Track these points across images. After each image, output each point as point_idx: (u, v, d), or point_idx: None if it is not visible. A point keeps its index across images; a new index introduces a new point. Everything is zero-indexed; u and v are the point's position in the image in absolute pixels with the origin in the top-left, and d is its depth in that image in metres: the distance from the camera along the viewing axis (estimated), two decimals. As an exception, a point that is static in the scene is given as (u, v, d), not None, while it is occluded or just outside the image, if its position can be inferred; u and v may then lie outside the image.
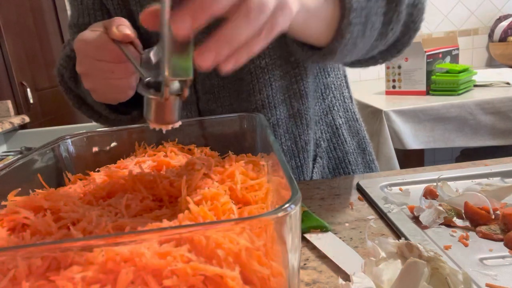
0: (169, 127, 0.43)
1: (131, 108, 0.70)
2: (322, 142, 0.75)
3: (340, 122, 0.77)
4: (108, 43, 0.47)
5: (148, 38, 0.60)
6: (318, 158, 0.75)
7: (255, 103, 0.68)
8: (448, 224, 0.50)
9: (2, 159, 1.84)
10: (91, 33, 0.49)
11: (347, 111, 0.79)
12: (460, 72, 1.68)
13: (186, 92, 0.41)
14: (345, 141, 0.77)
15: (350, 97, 0.81)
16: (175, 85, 0.40)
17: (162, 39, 0.36)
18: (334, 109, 0.76)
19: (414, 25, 0.60)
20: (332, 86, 0.76)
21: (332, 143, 0.76)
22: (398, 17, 0.55)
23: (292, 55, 0.68)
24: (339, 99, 0.77)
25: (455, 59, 1.90)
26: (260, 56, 0.67)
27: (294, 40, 0.56)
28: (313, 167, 0.74)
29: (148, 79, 0.41)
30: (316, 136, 0.75)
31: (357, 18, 0.50)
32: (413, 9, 0.58)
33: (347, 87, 0.80)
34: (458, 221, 0.50)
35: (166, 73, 0.37)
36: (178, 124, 0.43)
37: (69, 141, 0.53)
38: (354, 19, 0.50)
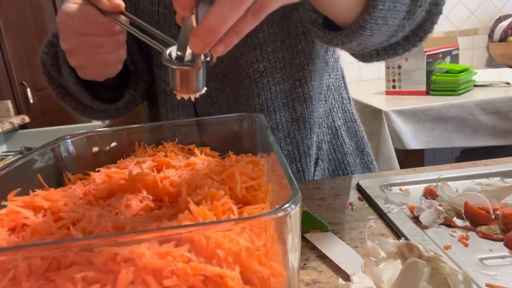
0: (197, 94, 0.44)
1: (115, 93, 0.68)
2: (323, 145, 0.75)
3: (339, 124, 0.77)
4: (97, 16, 0.45)
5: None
6: (319, 161, 0.75)
7: (254, 107, 0.67)
8: (448, 224, 0.50)
9: (2, 159, 1.84)
10: (75, 6, 0.46)
11: (346, 112, 0.79)
12: (460, 72, 1.68)
13: (214, 59, 0.41)
14: (344, 142, 0.76)
15: (348, 97, 0.81)
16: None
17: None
18: (334, 110, 0.76)
19: (436, 8, 0.57)
20: (332, 87, 0.76)
21: (332, 145, 0.76)
22: None
23: (297, 57, 0.68)
24: (338, 100, 0.77)
25: (455, 59, 1.90)
26: (259, 60, 0.66)
27: (315, 23, 0.54)
28: (315, 170, 0.74)
29: (169, 51, 0.42)
30: (318, 139, 0.74)
31: None
32: None
33: (345, 87, 0.80)
34: (458, 221, 0.50)
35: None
36: (204, 90, 0.45)
37: (69, 141, 0.52)
38: None
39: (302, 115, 0.69)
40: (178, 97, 0.44)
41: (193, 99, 0.45)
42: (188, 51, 0.42)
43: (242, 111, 0.68)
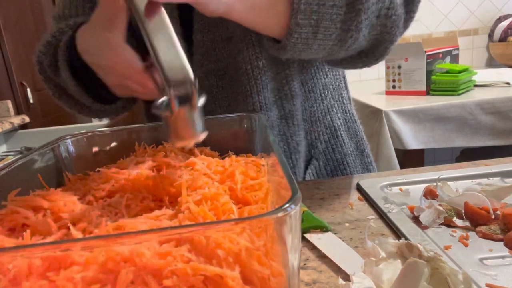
0: (192, 142, 0.42)
1: (115, 97, 0.69)
2: (319, 144, 0.74)
3: (339, 124, 0.76)
4: (141, 74, 0.48)
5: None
6: (313, 160, 0.74)
7: (252, 105, 0.68)
8: (448, 224, 0.50)
9: (2, 159, 1.84)
10: (122, 54, 0.49)
11: (346, 112, 0.78)
12: (460, 72, 1.68)
13: (195, 101, 0.40)
14: (344, 142, 0.76)
15: (349, 98, 0.80)
16: (183, 96, 0.40)
17: (146, 37, 0.37)
18: (332, 110, 0.76)
19: (388, 36, 0.60)
20: (331, 87, 0.76)
21: (331, 145, 0.75)
22: (358, 26, 0.56)
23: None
24: (337, 100, 0.77)
25: (455, 59, 1.90)
26: (258, 57, 0.66)
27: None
28: (306, 169, 0.74)
29: (161, 100, 0.42)
30: (312, 138, 0.74)
31: (305, 20, 0.53)
32: (386, 20, 0.58)
33: (346, 88, 0.80)
34: (458, 221, 0.50)
35: (165, 73, 0.37)
36: (202, 136, 0.43)
37: (69, 141, 0.52)
38: (302, 20, 0.53)
39: (290, 112, 0.70)
40: (176, 146, 0.43)
41: (192, 144, 0.43)
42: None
43: (241, 109, 0.68)
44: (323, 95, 0.75)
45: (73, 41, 0.56)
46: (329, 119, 0.75)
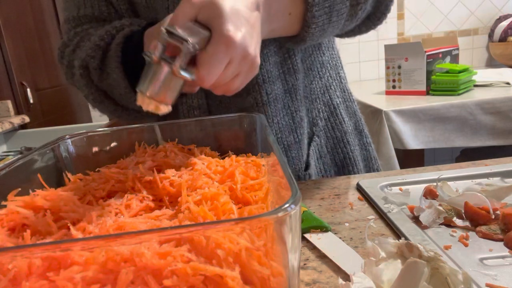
0: (154, 105, 0.42)
1: None
2: (319, 121, 0.75)
3: (338, 102, 0.77)
4: None
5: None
6: (315, 137, 0.75)
7: (257, 78, 0.68)
8: (448, 224, 0.50)
9: (2, 159, 1.84)
10: None
11: (344, 92, 0.80)
12: (460, 72, 1.68)
13: (178, 65, 0.41)
14: (343, 120, 0.77)
15: (345, 77, 0.82)
16: (173, 57, 0.40)
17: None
18: (331, 88, 0.77)
19: None
20: (328, 65, 0.77)
21: (330, 123, 0.76)
22: None
23: None
24: (335, 78, 0.78)
25: (455, 59, 1.90)
26: (277, 39, 0.67)
27: None
28: (310, 145, 0.75)
29: (155, 47, 0.41)
30: (313, 115, 0.75)
31: (320, 10, 0.55)
32: None
33: (342, 68, 0.82)
34: (458, 221, 0.50)
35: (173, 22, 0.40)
36: (165, 108, 0.43)
37: (69, 141, 0.52)
38: (317, 11, 0.55)
39: (293, 86, 0.71)
40: (140, 101, 0.42)
41: (158, 112, 0.43)
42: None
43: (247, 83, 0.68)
44: (321, 73, 0.76)
45: (130, 43, 0.58)
46: (328, 97, 0.76)
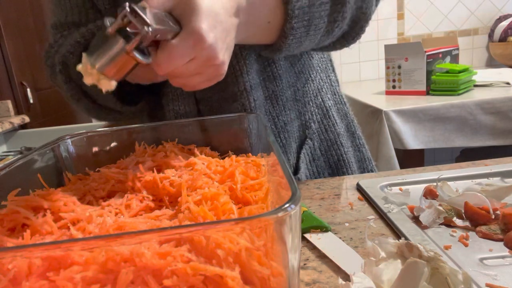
0: (95, 78, 0.40)
1: (137, 95, 0.68)
2: (312, 124, 0.76)
3: (330, 104, 0.78)
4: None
5: None
6: (307, 140, 0.75)
7: (243, 85, 0.68)
8: (448, 224, 0.50)
9: (2, 159, 1.84)
10: None
11: (335, 94, 0.80)
12: (460, 72, 1.68)
13: (132, 44, 0.39)
14: (336, 123, 0.78)
15: (337, 80, 0.83)
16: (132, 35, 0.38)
17: None
18: (322, 91, 0.78)
19: (364, 16, 0.64)
20: (318, 68, 0.78)
21: (323, 125, 0.77)
22: (343, 16, 0.59)
23: None
24: (326, 81, 0.79)
25: (455, 59, 1.90)
26: (252, 46, 0.67)
27: None
28: (301, 148, 0.75)
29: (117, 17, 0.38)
30: (306, 118, 0.75)
31: (299, 23, 0.55)
32: (362, 2, 0.62)
33: (333, 70, 0.82)
34: (458, 221, 0.50)
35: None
36: (108, 83, 0.40)
37: (69, 141, 0.52)
38: (296, 23, 0.55)
39: (274, 92, 0.71)
40: (82, 70, 0.39)
41: (99, 87, 0.41)
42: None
43: (231, 91, 0.68)
44: (312, 76, 0.76)
45: None
46: (320, 99, 0.77)
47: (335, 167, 0.77)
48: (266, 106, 0.71)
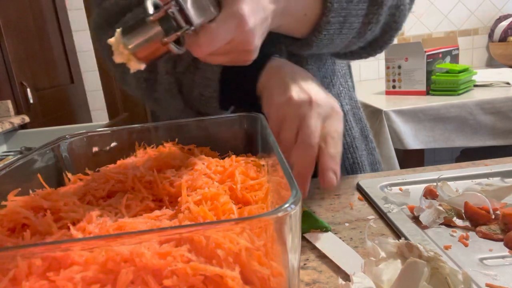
0: (125, 57, 0.39)
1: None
2: None
3: (347, 109, 0.79)
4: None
5: None
6: None
7: None
8: (448, 224, 0.50)
9: (2, 159, 1.84)
10: None
11: (351, 99, 0.81)
12: (460, 72, 1.68)
13: (172, 34, 0.38)
14: (352, 126, 0.78)
15: (353, 86, 0.83)
16: (173, 24, 0.38)
17: None
18: (341, 96, 0.78)
19: (395, 25, 0.63)
20: (338, 73, 0.78)
21: None
22: (378, 18, 0.58)
23: None
24: (345, 86, 0.79)
25: (455, 59, 1.90)
26: (280, 40, 0.66)
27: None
28: None
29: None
30: None
31: (335, 18, 0.54)
32: (395, 10, 0.61)
33: (351, 76, 0.83)
34: (458, 221, 0.50)
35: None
36: (137, 64, 0.40)
37: (69, 141, 0.52)
38: (333, 18, 0.54)
39: None
40: (114, 45, 0.39)
41: (127, 65, 0.40)
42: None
43: None
44: (333, 81, 0.77)
45: None
46: (339, 104, 0.76)
47: (350, 170, 0.78)
48: None
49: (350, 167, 0.78)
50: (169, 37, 0.38)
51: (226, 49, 0.44)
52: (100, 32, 0.69)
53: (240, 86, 0.59)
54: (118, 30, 0.39)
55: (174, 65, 0.63)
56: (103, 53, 0.70)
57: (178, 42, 0.40)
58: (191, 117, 0.65)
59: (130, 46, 0.38)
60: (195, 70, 0.60)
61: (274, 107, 0.52)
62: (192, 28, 0.38)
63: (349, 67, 0.83)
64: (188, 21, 0.38)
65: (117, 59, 0.40)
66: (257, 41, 0.45)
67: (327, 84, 0.75)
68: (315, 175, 0.75)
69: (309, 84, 0.52)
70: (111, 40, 0.39)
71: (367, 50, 0.67)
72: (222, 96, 0.61)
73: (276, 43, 0.66)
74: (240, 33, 0.42)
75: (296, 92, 0.50)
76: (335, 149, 0.48)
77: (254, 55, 0.46)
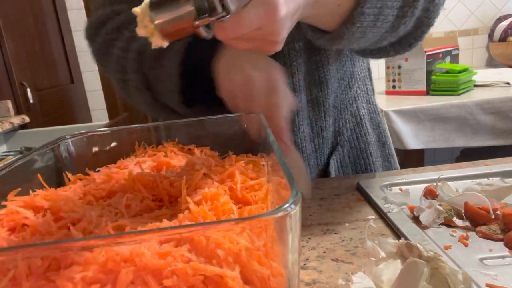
0: (155, 39, 0.37)
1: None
2: (345, 131, 0.75)
3: (364, 113, 0.77)
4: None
5: None
6: (338, 146, 0.75)
7: (294, 85, 0.66)
8: (448, 224, 0.50)
9: (2, 159, 1.84)
10: None
11: (370, 103, 0.80)
12: (460, 72, 1.68)
13: (203, 21, 0.36)
14: (368, 132, 0.77)
15: (373, 89, 0.81)
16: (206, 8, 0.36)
17: None
18: (358, 99, 0.77)
19: (428, 20, 0.60)
20: (357, 76, 0.77)
21: (355, 133, 0.76)
22: (413, 12, 0.55)
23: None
24: (363, 90, 0.78)
25: (455, 59, 1.90)
26: (295, 39, 0.65)
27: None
28: (331, 154, 0.74)
29: None
30: (339, 125, 0.74)
31: (370, 9, 0.51)
32: (429, 4, 0.58)
33: (370, 79, 0.81)
34: (458, 221, 0.50)
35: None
36: (161, 44, 0.37)
37: (69, 141, 0.52)
38: (368, 9, 0.51)
39: (316, 97, 0.70)
40: (140, 16, 0.36)
41: (150, 40, 0.37)
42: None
43: None
44: (351, 83, 0.75)
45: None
46: (355, 107, 0.76)
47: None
48: (307, 110, 0.70)
49: (362, 173, 0.77)
50: (201, 20, 0.35)
51: (251, 36, 0.42)
52: (89, 41, 0.69)
53: (201, 80, 0.59)
54: (146, 3, 0.36)
55: (141, 62, 0.62)
56: (95, 59, 0.70)
57: (207, 24, 0.38)
58: (179, 117, 0.65)
59: (156, 22, 0.36)
60: (159, 66, 0.60)
61: (224, 89, 0.55)
62: (228, 16, 0.35)
63: (369, 70, 0.80)
64: (226, 9, 0.35)
65: (141, 31, 0.37)
66: (285, 32, 0.43)
67: (344, 86, 0.74)
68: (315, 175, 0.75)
69: (251, 62, 0.53)
70: (137, 10, 0.37)
71: (396, 47, 0.63)
72: (187, 91, 0.61)
73: (291, 40, 0.65)
74: (270, 22, 0.40)
75: (238, 74, 0.53)
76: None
77: (279, 46, 0.44)
